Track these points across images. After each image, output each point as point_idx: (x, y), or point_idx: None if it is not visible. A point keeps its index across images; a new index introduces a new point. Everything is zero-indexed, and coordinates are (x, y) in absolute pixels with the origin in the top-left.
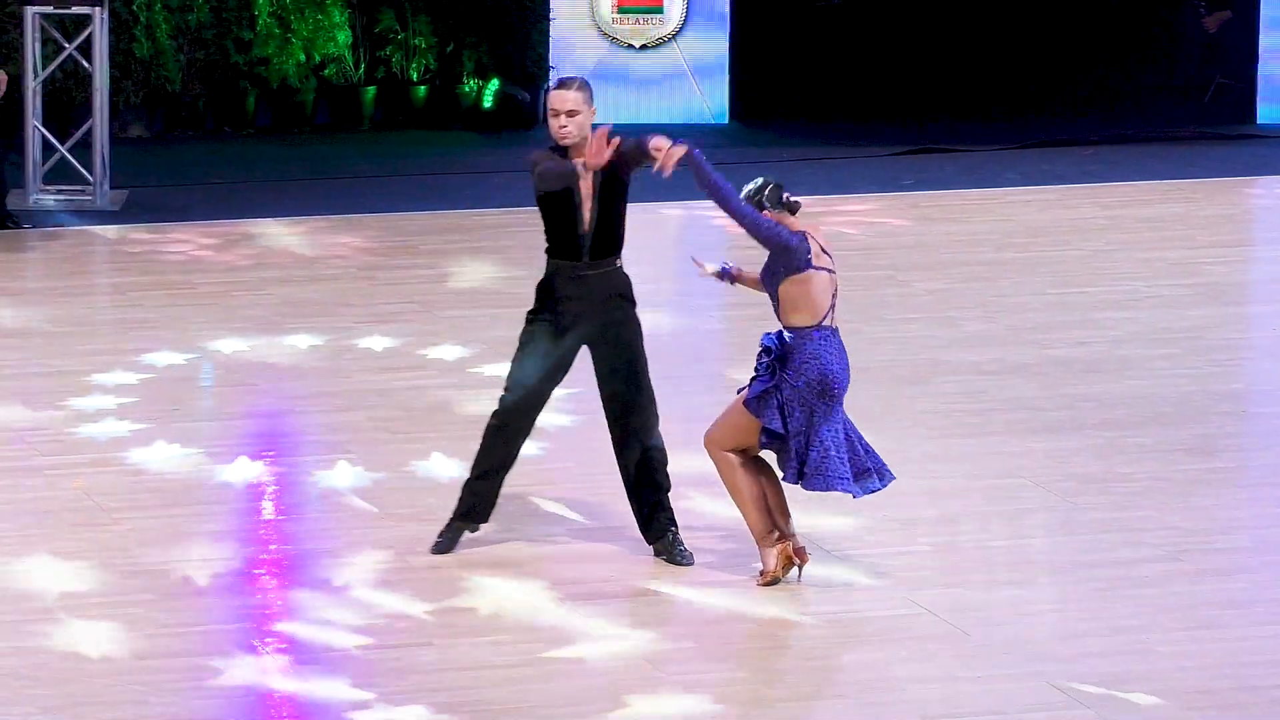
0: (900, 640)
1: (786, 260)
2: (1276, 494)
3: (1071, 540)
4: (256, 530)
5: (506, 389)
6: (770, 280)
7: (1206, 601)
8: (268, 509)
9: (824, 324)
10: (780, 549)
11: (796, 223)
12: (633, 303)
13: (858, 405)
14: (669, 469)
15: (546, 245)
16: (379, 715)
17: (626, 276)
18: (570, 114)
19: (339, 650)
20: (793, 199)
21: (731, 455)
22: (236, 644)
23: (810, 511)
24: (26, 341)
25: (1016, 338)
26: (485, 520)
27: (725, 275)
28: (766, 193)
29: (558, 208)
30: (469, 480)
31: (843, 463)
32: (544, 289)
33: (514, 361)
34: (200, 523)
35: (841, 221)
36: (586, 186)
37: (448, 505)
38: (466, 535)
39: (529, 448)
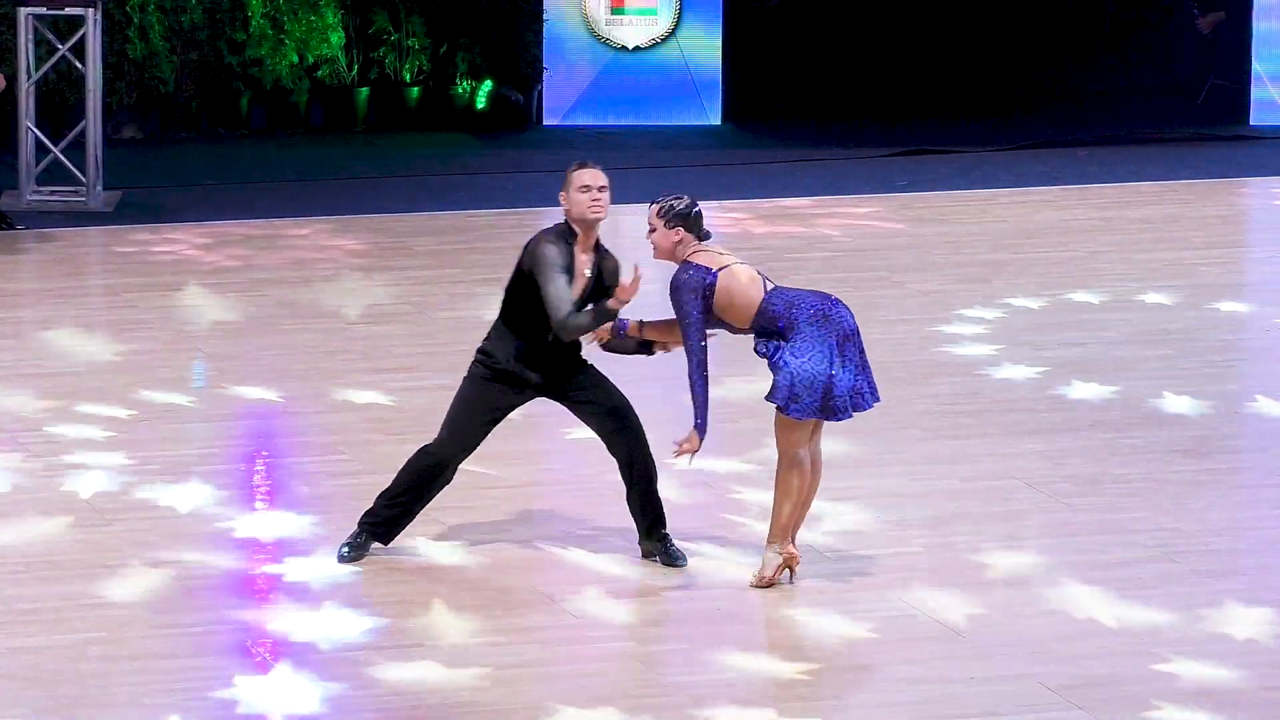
0: (893, 641)
1: (698, 302)
2: (1270, 495)
3: (1065, 541)
4: (250, 531)
5: (447, 435)
6: (719, 324)
7: (1201, 603)
8: (261, 510)
9: (769, 290)
10: (784, 556)
11: (697, 249)
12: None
13: None
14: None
15: (508, 318)
16: (374, 719)
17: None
18: (602, 189)
19: (334, 653)
20: (703, 229)
21: (803, 454)
22: (230, 646)
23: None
24: (19, 343)
25: (1011, 339)
26: (390, 541)
27: (621, 334)
28: (678, 208)
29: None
30: (388, 498)
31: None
32: (504, 358)
33: (459, 405)
34: (194, 524)
35: (835, 223)
36: (581, 286)
37: (446, 506)
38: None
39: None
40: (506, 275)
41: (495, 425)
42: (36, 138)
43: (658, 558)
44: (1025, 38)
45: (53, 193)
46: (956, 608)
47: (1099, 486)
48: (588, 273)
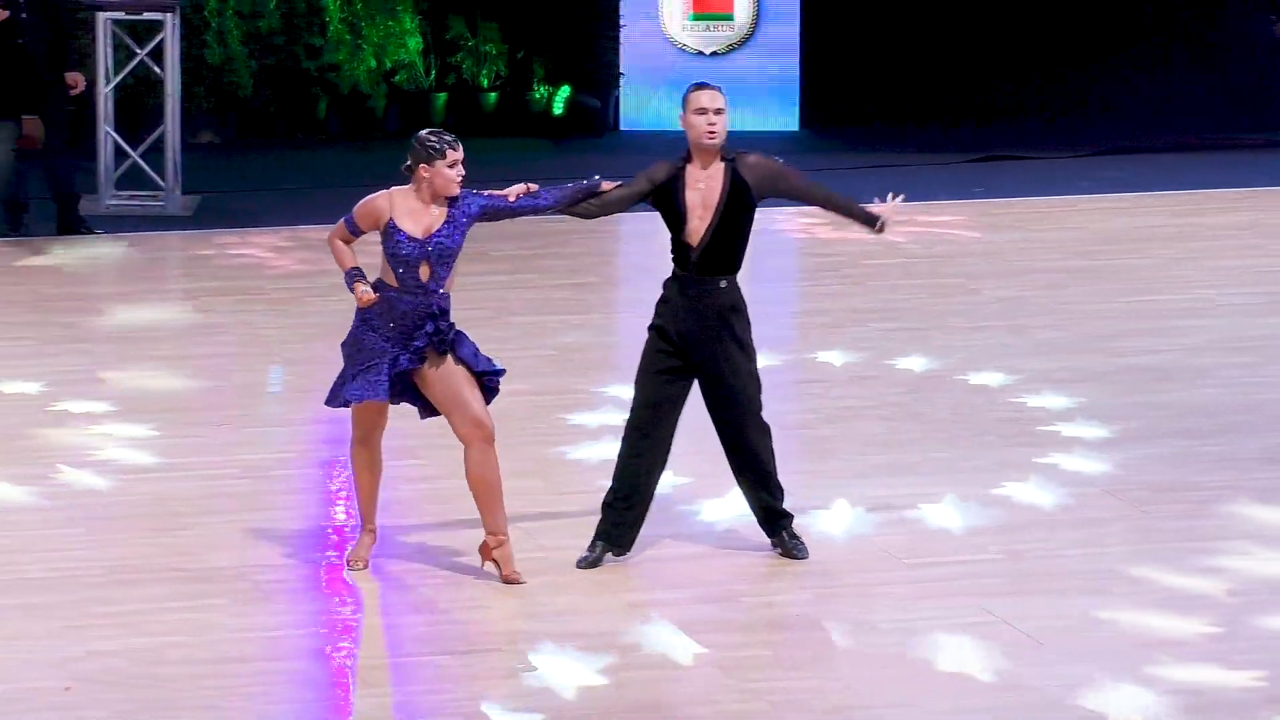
0: (971, 648)
1: None
2: None
3: (1145, 549)
4: (328, 534)
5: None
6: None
7: None
8: (339, 514)
9: None
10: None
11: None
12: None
13: (929, 413)
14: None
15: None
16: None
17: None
18: (718, 112)
19: (409, 657)
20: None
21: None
22: (307, 649)
23: (881, 519)
24: (98, 347)
25: (1088, 346)
26: (627, 548)
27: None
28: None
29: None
30: (609, 504)
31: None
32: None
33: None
34: (271, 527)
35: (911, 230)
36: (699, 203)
37: (511, 511)
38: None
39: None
40: (583, 279)
41: (670, 391)
42: (115, 142)
43: (780, 551)
44: (1101, 43)
45: (131, 197)
46: (1035, 615)
47: (1178, 494)
48: (702, 187)
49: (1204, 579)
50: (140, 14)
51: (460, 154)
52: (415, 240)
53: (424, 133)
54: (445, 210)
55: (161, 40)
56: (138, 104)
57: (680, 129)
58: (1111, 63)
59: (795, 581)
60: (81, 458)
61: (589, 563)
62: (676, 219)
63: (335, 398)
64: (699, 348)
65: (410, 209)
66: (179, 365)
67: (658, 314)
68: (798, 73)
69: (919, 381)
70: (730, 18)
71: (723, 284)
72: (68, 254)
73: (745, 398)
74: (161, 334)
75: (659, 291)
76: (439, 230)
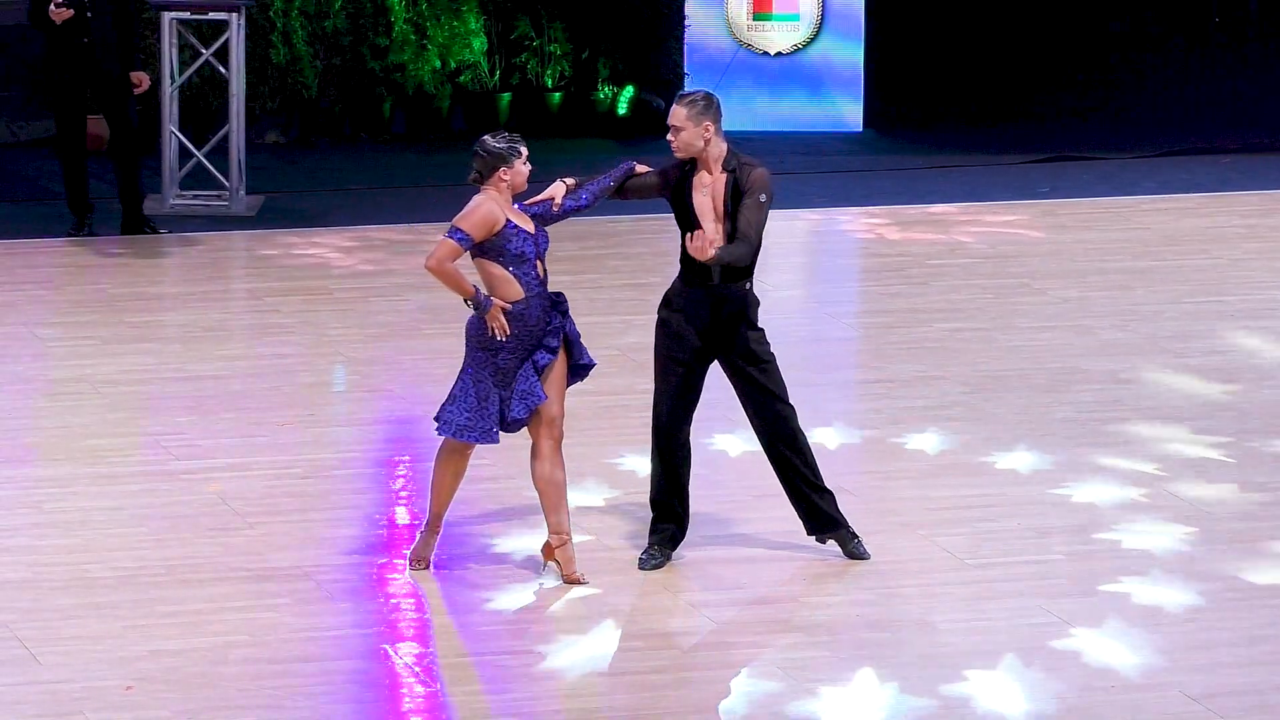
0: (1032, 649)
1: None
2: None
3: (1206, 550)
4: (390, 535)
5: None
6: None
7: None
8: (401, 514)
9: None
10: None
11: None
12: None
13: (993, 413)
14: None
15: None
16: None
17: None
18: (675, 129)
19: (472, 656)
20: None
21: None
22: (369, 649)
23: (944, 520)
24: (163, 346)
25: (1153, 346)
26: (681, 539)
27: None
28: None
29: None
30: (653, 501)
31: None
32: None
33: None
34: (334, 527)
35: (976, 230)
36: (702, 203)
37: (572, 511)
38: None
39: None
40: (647, 279)
41: (691, 378)
42: (180, 142)
43: (843, 550)
44: (1171, 44)
45: (195, 197)
46: (1096, 616)
47: (1241, 496)
48: (708, 192)
49: (1266, 575)
50: (206, 14)
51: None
52: (531, 235)
53: (490, 138)
54: (523, 211)
55: (227, 40)
56: (203, 104)
57: (739, 128)
58: (1180, 63)
59: (855, 583)
60: (145, 458)
61: (653, 565)
62: (688, 220)
63: (470, 429)
64: (728, 350)
65: (510, 209)
66: (243, 365)
67: (670, 317)
68: (861, 73)
69: (983, 382)
70: (795, 18)
71: (747, 286)
72: (133, 254)
73: (784, 390)
74: (226, 333)
75: None
76: (536, 227)
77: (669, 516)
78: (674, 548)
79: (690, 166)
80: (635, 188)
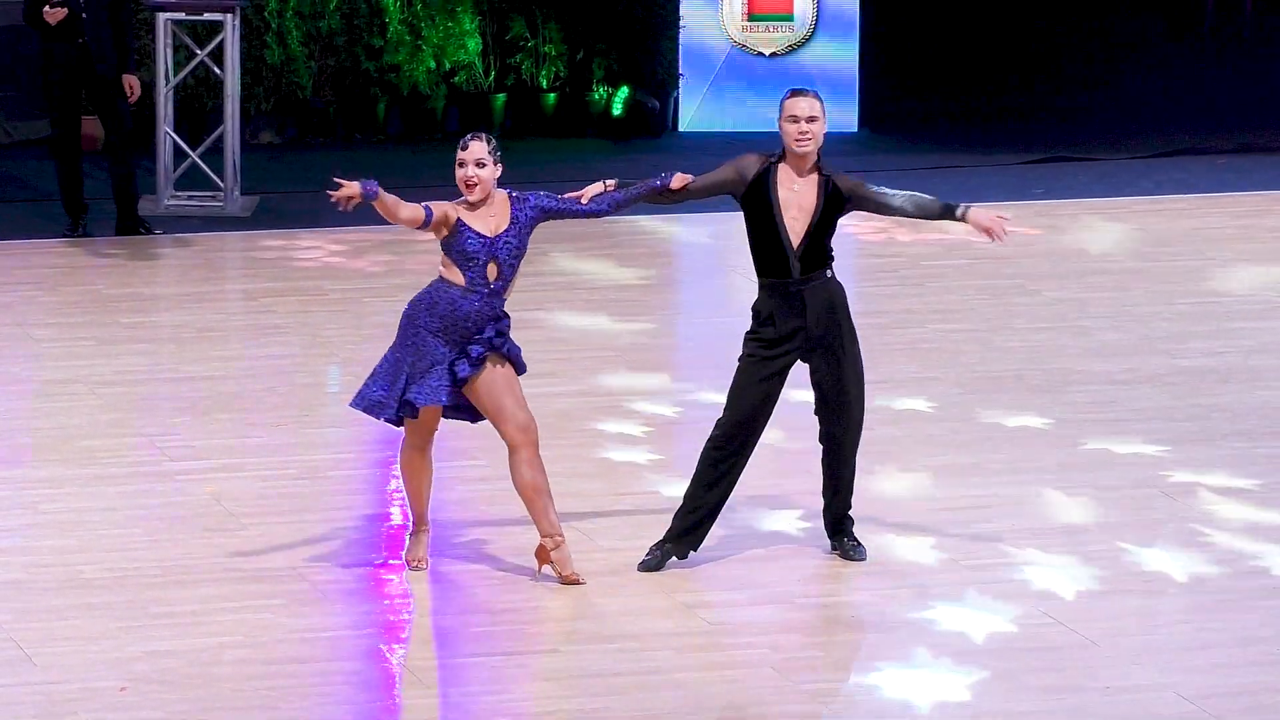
0: (1027, 650)
1: None
2: None
3: (1202, 551)
4: (384, 536)
5: (723, 413)
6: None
7: None
8: (396, 515)
9: None
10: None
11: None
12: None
13: (988, 416)
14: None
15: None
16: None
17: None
18: (811, 120)
19: (466, 657)
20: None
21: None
22: (364, 650)
23: (940, 521)
24: (158, 347)
25: (1148, 347)
26: (695, 549)
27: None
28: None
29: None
30: (681, 508)
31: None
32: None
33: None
34: (328, 528)
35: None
36: (793, 209)
37: (568, 511)
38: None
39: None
40: (642, 280)
41: (766, 403)
42: (174, 143)
43: (839, 553)
44: (1164, 45)
45: (190, 198)
46: (1092, 617)
47: (1235, 496)
48: (797, 189)
49: (1262, 578)
50: (200, 15)
51: (467, 153)
52: (486, 238)
53: (469, 138)
54: (510, 212)
55: (221, 41)
56: (198, 105)
57: (734, 129)
58: (1174, 64)
59: (853, 583)
60: (139, 458)
61: (650, 566)
62: (768, 214)
63: (384, 406)
64: (819, 344)
65: (476, 210)
66: (238, 366)
67: (760, 326)
68: (856, 73)
69: (978, 383)
70: (790, 18)
71: (828, 274)
72: (127, 254)
73: (858, 407)
74: (221, 334)
75: (720, 293)
76: (506, 231)
77: (697, 525)
78: (683, 555)
79: (776, 161)
80: (700, 187)
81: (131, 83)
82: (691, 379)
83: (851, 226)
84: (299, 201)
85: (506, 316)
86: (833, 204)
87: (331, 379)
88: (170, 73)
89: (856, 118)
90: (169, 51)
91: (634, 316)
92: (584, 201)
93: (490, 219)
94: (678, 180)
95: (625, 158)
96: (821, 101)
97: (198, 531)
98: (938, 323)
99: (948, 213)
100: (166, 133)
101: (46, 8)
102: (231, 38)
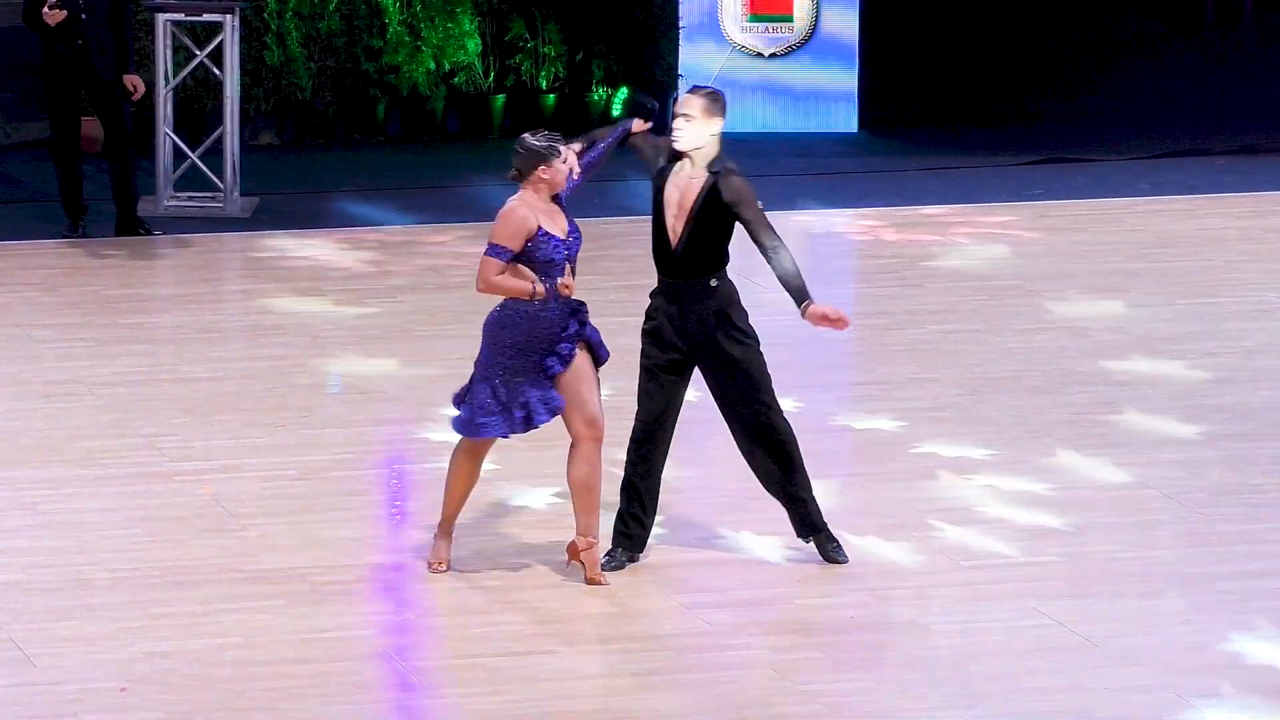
0: (1028, 651)
1: None
2: None
3: (1201, 552)
4: (386, 537)
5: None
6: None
7: None
8: (396, 516)
9: None
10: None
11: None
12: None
13: (987, 415)
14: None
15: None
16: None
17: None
18: (685, 117)
19: (466, 658)
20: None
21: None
22: (364, 651)
23: (938, 521)
24: (158, 348)
25: (1148, 348)
26: (639, 550)
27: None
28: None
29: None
30: (620, 513)
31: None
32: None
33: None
34: (328, 529)
35: (970, 231)
36: (677, 199)
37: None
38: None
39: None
40: (641, 282)
41: (667, 397)
42: (174, 144)
43: (822, 554)
44: (1164, 45)
45: (190, 198)
46: (1092, 617)
47: (1236, 497)
48: (683, 187)
49: (1260, 579)
50: (200, 15)
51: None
52: (563, 240)
53: (530, 136)
54: (558, 207)
55: (221, 42)
56: (197, 106)
57: (732, 130)
58: (1174, 65)
59: (850, 584)
60: (139, 459)
61: (612, 567)
62: (658, 208)
63: (495, 424)
64: (701, 350)
65: (544, 211)
66: (238, 366)
67: (650, 320)
68: (856, 74)
69: (978, 383)
70: (789, 19)
71: (713, 283)
72: (127, 255)
73: (764, 389)
74: (220, 335)
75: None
76: (570, 227)
77: (640, 525)
78: (637, 555)
79: (677, 155)
80: (635, 146)
81: (135, 82)
82: None
83: (846, 226)
84: (298, 202)
85: (582, 304)
86: (712, 207)
87: (331, 380)
88: (170, 74)
89: (856, 119)
90: (168, 52)
91: (634, 317)
92: (576, 175)
93: (557, 219)
94: (638, 125)
95: (624, 158)
96: (716, 102)
97: (197, 532)
98: (935, 323)
99: (796, 297)
100: (166, 134)
101: (46, 9)
102: (231, 39)
